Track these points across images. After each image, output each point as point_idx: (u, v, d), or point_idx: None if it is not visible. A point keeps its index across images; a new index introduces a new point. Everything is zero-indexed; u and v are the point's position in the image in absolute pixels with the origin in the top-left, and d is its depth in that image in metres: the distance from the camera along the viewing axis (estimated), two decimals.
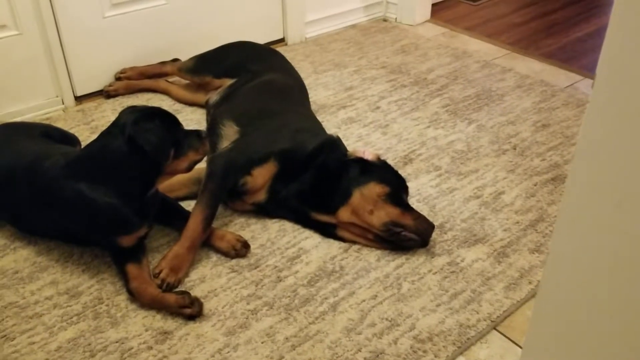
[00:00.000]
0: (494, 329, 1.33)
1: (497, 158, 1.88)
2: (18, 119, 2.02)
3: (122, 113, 1.38)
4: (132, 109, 1.38)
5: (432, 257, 1.50)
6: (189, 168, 1.45)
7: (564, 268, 0.73)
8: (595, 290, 0.69)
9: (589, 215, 0.67)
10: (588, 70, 2.48)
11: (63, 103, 2.15)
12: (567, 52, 2.66)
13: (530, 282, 1.43)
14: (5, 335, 1.29)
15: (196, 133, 1.45)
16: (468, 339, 1.29)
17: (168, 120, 1.39)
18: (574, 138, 1.99)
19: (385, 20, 2.94)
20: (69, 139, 1.72)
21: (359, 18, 2.89)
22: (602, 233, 0.66)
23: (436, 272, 1.46)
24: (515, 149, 1.93)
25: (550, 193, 1.73)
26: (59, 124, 1.95)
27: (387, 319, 1.33)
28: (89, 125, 2.02)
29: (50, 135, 1.67)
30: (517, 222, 1.62)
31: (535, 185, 1.77)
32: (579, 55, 2.63)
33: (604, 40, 0.62)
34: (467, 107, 2.17)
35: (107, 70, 2.22)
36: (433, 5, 2.99)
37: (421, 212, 1.54)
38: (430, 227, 1.50)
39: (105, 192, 1.33)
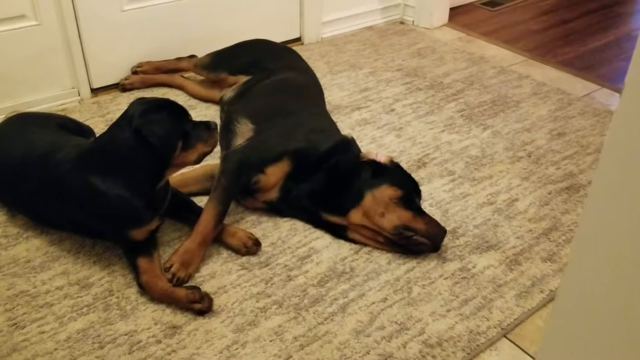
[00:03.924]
0: (504, 336, 1.32)
1: (511, 165, 1.87)
2: (34, 109, 2.03)
3: (131, 105, 1.38)
4: (140, 101, 1.38)
5: (444, 262, 1.49)
6: (198, 160, 1.45)
7: (583, 278, 0.72)
8: (615, 303, 0.68)
9: (611, 224, 0.66)
10: (605, 80, 2.46)
11: (79, 95, 2.16)
12: (584, 61, 2.64)
13: (542, 291, 1.42)
14: (15, 324, 1.30)
15: (205, 124, 1.44)
16: (478, 345, 1.28)
17: (176, 112, 1.39)
18: (589, 147, 1.98)
19: (402, 22, 2.93)
20: (85, 131, 1.73)
21: (376, 20, 2.89)
22: (625, 243, 0.65)
23: (447, 278, 1.45)
24: (530, 156, 1.92)
25: (564, 202, 1.72)
26: (74, 116, 1.95)
27: (396, 323, 1.33)
28: (104, 118, 2.03)
29: (65, 126, 1.68)
30: (530, 230, 1.61)
31: (549, 193, 1.75)
32: (597, 65, 2.61)
33: (622, 50, 0.61)
34: (482, 113, 2.15)
35: (124, 64, 2.23)
36: (451, 9, 2.98)
37: (433, 217, 1.53)
38: (442, 232, 1.50)
39: (115, 185, 1.33)
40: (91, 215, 1.40)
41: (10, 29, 1.97)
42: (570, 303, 0.75)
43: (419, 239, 1.47)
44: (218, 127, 1.50)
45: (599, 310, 0.71)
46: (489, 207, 1.68)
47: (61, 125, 1.66)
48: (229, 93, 1.99)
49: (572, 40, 2.86)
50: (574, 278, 0.74)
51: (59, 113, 1.98)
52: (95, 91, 2.21)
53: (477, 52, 2.65)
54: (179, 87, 2.23)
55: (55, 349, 1.24)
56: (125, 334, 1.28)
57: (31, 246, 1.51)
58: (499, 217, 1.65)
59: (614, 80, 2.46)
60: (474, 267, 1.48)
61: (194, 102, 2.17)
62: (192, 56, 2.26)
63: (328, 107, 2.03)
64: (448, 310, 1.36)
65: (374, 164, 1.59)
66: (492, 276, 1.45)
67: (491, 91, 2.31)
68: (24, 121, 1.69)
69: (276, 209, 1.63)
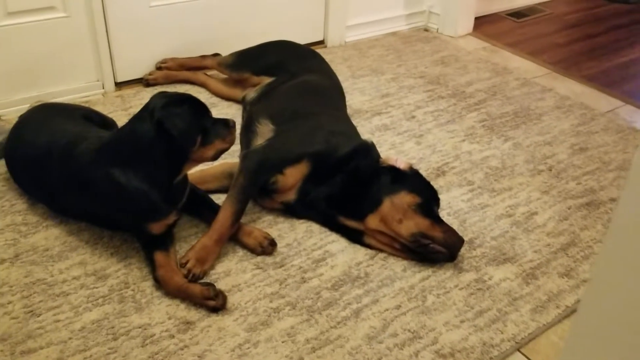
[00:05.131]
0: (518, 350, 1.31)
1: (531, 178, 1.86)
2: (58, 100, 2.05)
3: (152, 98, 1.39)
4: (162, 94, 1.39)
5: (459, 273, 1.48)
6: (215, 156, 1.45)
7: (606, 295, 0.71)
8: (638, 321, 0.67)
9: (638, 241, 0.65)
10: (630, 96, 2.43)
11: (103, 88, 2.19)
12: (609, 76, 2.61)
13: (557, 307, 1.40)
14: (31, 311, 1.31)
15: (224, 122, 1.44)
16: (491, 358, 1.27)
17: (197, 107, 1.40)
18: (611, 164, 1.95)
19: (426, 30, 2.93)
20: (108, 124, 1.74)
21: (400, 26, 2.88)
22: None
23: (462, 288, 1.44)
24: (550, 170, 1.90)
25: (584, 218, 1.70)
26: (98, 108, 1.96)
27: (409, 331, 1.32)
28: (126, 112, 2.04)
29: (89, 118, 1.69)
30: (548, 245, 1.59)
31: (569, 208, 1.73)
32: (622, 81, 2.58)
33: None
34: (504, 124, 2.14)
35: (149, 59, 2.25)
36: (476, 19, 2.97)
37: (451, 226, 1.52)
38: (460, 241, 1.49)
39: (135, 177, 1.34)
40: (110, 207, 1.41)
41: (39, 20, 1.99)
42: (591, 320, 0.74)
43: (436, 248, 1.46)
44: (237, 125, 1.50)
45: (621, 328, 0.70)
46: (508, 219, 1.67)
47: (85, 117, 1.68)
48: (251, 93, 2.00)
49: (597, 55, 2.83)
50: (596, 295, 0.73)
51: (83, 105, 2.00)
52: (119, 85, 2.23)
53: (501, 62, 2.64)
54: (202, 85, 2.25)
55: (70, 338, 1.25)
56: (139, 327, 1.29)
57: (50, 235, 1.52)
58: (517, 229, 1.64)
59: (639, 97, 2.43)
60: (489, 279, 1.47)
61: (215, 100, 2.18)
62: (216, 55, 2.27)
63: (349, 111, 2.03)
64: (462, 321, 1.35)
65: (393, 169, 1.58)
66: (507, 289, 1.44)
67: (514, 102, 2.29)
68: (49, 111, 1.71)
69: (293, 211, 1.63)
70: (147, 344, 1.25)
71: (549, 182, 1.84)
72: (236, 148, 1.73)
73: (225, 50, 2.23)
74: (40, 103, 1.83)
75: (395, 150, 1.95)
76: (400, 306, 1.38)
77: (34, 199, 1.62)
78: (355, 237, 1.56)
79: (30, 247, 1.48)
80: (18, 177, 1.63)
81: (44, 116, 1.67)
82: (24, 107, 1.86)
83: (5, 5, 1.91)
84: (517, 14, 3.26)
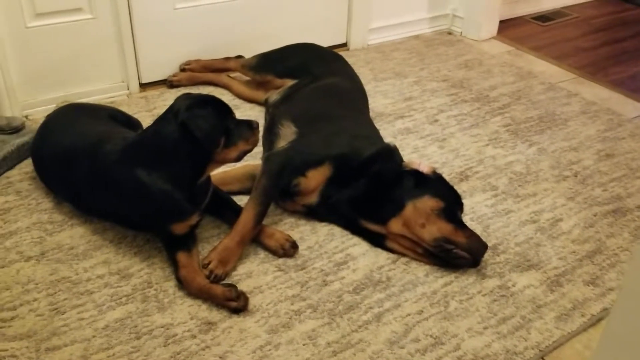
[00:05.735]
0: (542, 358, 1.29)
1: (556, 184, 1.83)
2: (84, 100, 2.07)
3: (176, 99, 1.40)
4: (186, 96, 1.40)
5: (483, 279, 1.46)
6: (239, 157, 1.45)
7: (637, 306, 0.70)
8: None
9: None
10: None
11: (128, 88, 2.21)
12: (637, 81, 2.57)
13: (583, 315, 1.38)
14: (56, 309, 1.33)
15: (247, 123, 1.45)
16: None
17: (220, 108, 1.40)
18: (639, 171, 1.92)
19: (450, 33, 2.91)
20: (133, 124, 1.76)
21: (424, 29, 2.87)
22: None
23: (485, 294, 1.42)
24: (576, 176, 1.87)
25: (610, 225, 1.67)
26: (122, 109, 1.98)
27: (431, 336, 1.31)
28: (150, 113, 2.06)
29: (115, 118, 1.71)
30: (574, 252, 1.57)
31: (595, 215, 1.71)
32: None
33: None
34: (528, 129, 2.11)
35: (173, 61, 2.27)
36: (500, 22, 2.94)
37: (474, 231, 1.50)
38: (483, 247, 1.47)
39: (159, 178, 1.35)
40: (134, 207, 1.42)
41: (66, 21, 2.02)
42: (621, 329, 0.73)
43: (459, 253, 1.45)
44: (260, 126, 1.50)
45: None
46: (532, 225, 1.65)
47: (111, 117, 1.70)
48: (274, 96, 2.01)
49: (624, 60, 2.78)
50: (626, 304, 0.72)
51: (108, 105, 2.02)
52: (143, 86, 2.25)
53: (526, 66, 2.61)
54: (225, 87, 2.26)
55: (93, 336, 1.27)
56: (162, 327, 1.29)
57: (75, 234, 1.54)
58: (541, 236, 1.61)
59: None
60: (513, 285, 1.45)
61: (238, 102, 2.19)
62: (240, 56, 2.28)
63: (371, 114, 2.02)
64: (485, 328, 1.33)
65: (416, 173, 1.57)
66: (532, 296, 1.42)
67: (539, 107, 2.26)
68: (75, 111, 1.73)
69: (315, 213, 1.63)
70: (169, 344, 1.26)
71: (574, 189, 1.81)
72: (259, 150, 1.73)
73: (249, 53, 2.24)
74: (66, 103, 1.86)
75: (418, 154, 1.94)
76: (422, 311, 1.37)
77: (60, 198, 1.64)
78: (377, 240, 1.55)
79: (56, 245, 1.50)
80: (44, 176, 1.65)
81: (70, 116, 1.69)
82: (51, 107, 1.89)
83: (34, 6, 1.94)
84: (542, 17, 3.22)
